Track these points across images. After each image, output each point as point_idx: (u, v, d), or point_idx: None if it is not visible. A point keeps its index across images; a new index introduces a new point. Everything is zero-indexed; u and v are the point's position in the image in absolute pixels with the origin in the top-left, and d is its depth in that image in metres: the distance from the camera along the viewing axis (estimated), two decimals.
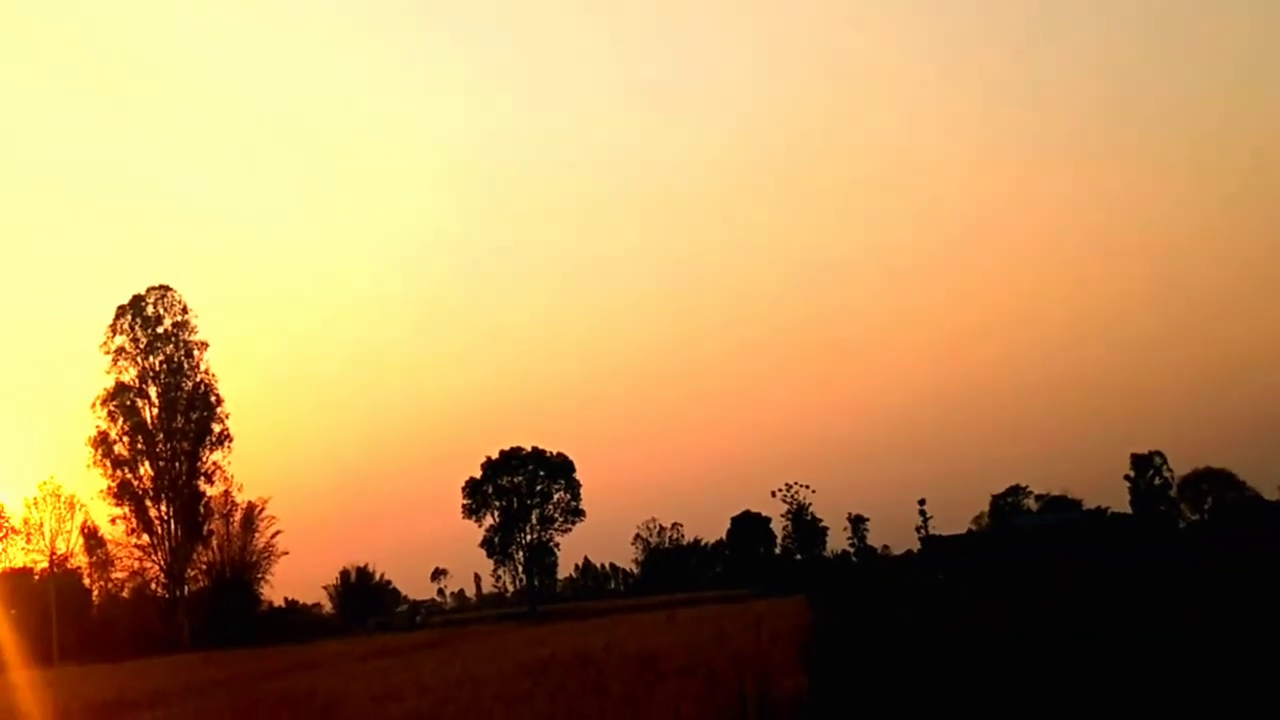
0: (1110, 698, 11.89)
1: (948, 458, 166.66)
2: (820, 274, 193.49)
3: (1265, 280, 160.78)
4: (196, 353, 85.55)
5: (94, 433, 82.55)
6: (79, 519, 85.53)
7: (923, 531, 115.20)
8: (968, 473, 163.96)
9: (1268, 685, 11.40)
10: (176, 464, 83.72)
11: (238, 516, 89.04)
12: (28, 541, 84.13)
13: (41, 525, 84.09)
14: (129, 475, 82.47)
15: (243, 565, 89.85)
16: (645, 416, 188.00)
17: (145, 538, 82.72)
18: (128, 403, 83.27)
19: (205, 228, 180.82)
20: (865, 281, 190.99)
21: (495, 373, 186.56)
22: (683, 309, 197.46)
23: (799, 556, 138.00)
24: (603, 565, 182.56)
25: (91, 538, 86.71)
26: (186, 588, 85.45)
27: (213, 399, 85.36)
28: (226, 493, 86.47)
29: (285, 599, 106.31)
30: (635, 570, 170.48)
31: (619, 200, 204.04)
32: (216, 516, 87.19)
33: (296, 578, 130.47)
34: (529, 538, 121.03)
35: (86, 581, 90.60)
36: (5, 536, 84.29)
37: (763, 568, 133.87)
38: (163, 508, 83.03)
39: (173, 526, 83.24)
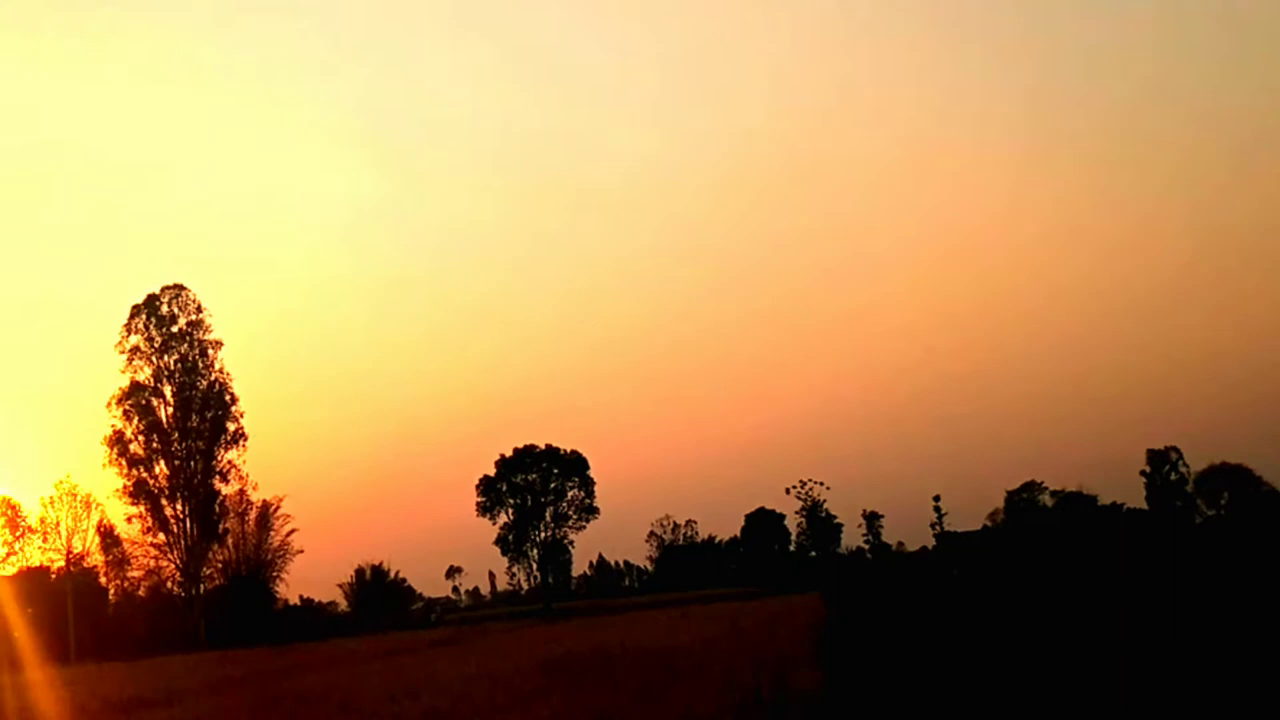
0: (1128, 695, 11.84)
1: (962, 454, 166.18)
2: (839, 272, 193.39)
3: None
4: (211, 352, 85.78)
5: (109, 432, 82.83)
6: (95, 518, 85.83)
7: (937, 528, 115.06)
8: (982, 469, 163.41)
9: None
10: (192, 463, 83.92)
11: (253, 515, 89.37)
12: (44, 540, 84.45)
13: (58, 524, 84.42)
14: (144, 474, 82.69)
15: (258, 563, 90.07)
16: (659, 414, 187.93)
17: (161, 536, 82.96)
18: (143, 402, 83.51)
19: (221, 225, 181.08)
20: (883, 279, 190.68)
21: (509, 371, 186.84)
22: (697, 307, 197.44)
23: (814, 554, 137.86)
24: (617, 563, 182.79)
25: (107, 536, 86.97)
26: (202, 586, 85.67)
27: (227, 398, 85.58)
28: (242, 491, 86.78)
29: (300, 597, 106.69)
30: (650, 567, 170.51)
31: (635, 198, 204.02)
32: (232, 515, 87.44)
33: (312, 576, 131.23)
34: (543, 535, 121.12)
35: (103, 580, 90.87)
36: (22, 535, 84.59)
37: (777, 565, 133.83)
38: (178, 506, 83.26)
39: (188, 525, 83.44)
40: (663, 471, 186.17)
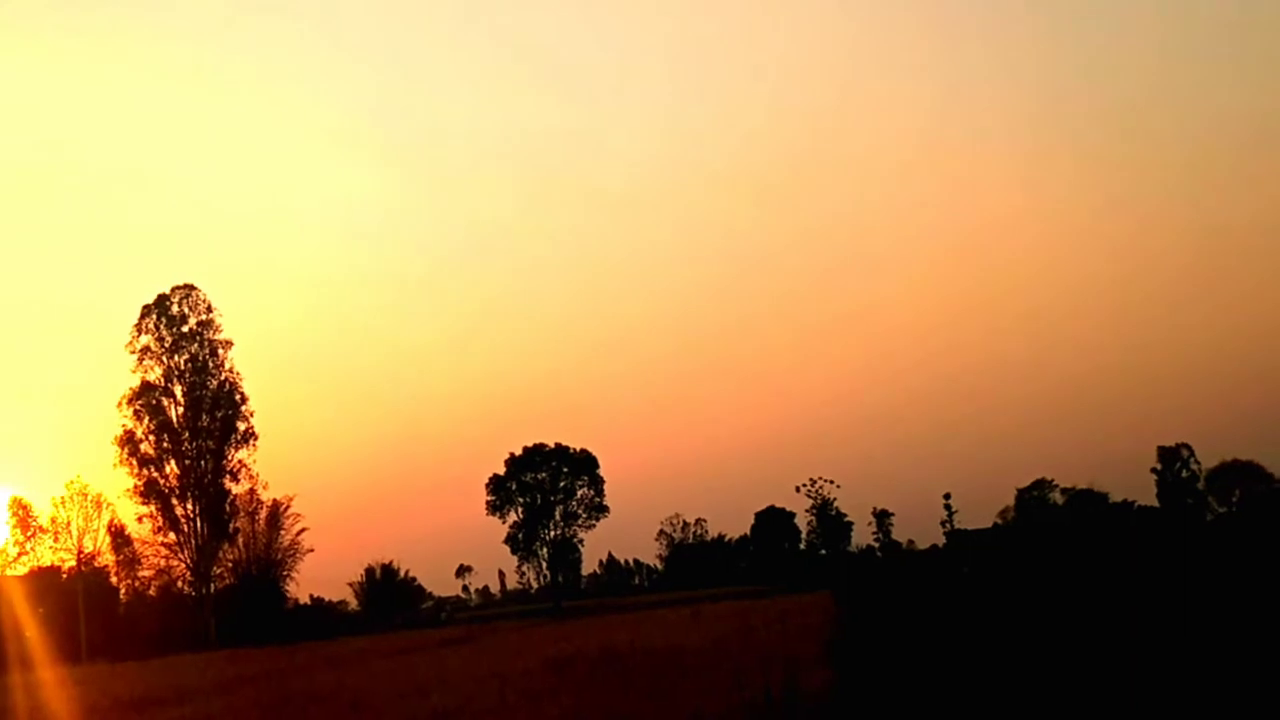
0: (1139, 693, 11.80)
1: (972, 452, 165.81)
2: (848, 269, 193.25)
3: None
4: (221, 351, 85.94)
5: (120, 432, 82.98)
6: (106, 518, 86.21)
7: (948, 526, 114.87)
8: (993, 467, 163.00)
9: None
10: (202, 462, 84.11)
11: (263, 514, 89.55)
12: (55, 540, 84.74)
13: (69, 524, 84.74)
14: (155, 474, 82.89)
15: (268, 563, 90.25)
16: (669, 412, 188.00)
17: (171, 536, 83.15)
18: (153, 402, 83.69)
19: (231, 226, 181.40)
20: (893, 277, 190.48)
21: (518, 370, 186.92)
22: (706, 305, 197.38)
23: (824, 552, 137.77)
24: (627, 561, 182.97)
25: (118, 536, 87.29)
26: (213, 585, 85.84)
27: (237, 397, 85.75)
28: (252, 490, 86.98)
29: (311, 596, 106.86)
30: (659, 566, 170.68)
31: (643, 197, 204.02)
32: (242, 514, 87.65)
33: (322, 575, 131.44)
34: (553, 534, 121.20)
35: (114, 580, 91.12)
36: (33, 535, 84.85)
37: (787, 563, 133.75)
38: (189, 506, 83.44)
39: (199, 525, 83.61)
40: (672, 470, 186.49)
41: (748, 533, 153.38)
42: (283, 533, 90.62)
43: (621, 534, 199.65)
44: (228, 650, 60.69)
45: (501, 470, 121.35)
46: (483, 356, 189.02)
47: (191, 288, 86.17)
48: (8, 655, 58.81)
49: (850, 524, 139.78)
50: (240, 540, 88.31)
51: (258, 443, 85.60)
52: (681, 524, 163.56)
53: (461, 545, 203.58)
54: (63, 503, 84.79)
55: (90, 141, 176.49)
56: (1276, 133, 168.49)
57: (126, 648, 71.08)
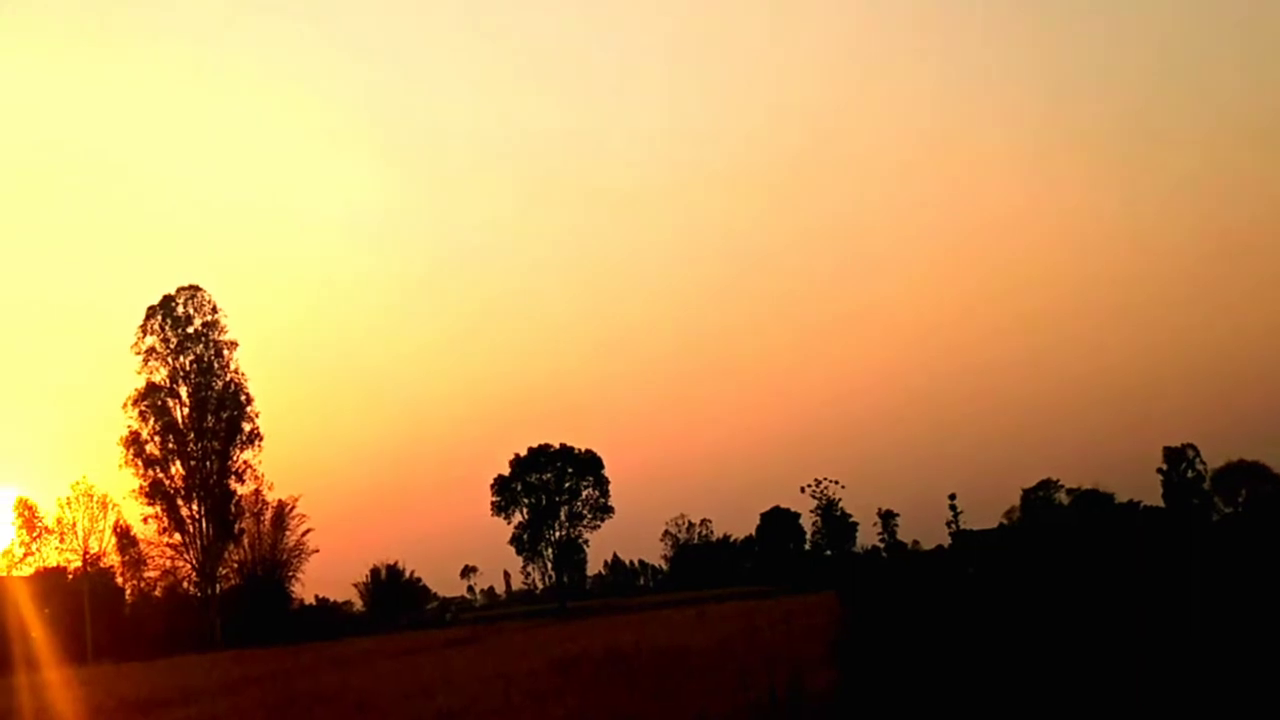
0: (1145, 693, 11.79)
1: (978, 452, 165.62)
2: (853, 269, 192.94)
3: None
4: (226, 352, 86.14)
5: (125, 433, 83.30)
6: (111, 518, 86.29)
7: (953, 526, 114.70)
8: (998, 467, 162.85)
9: None
10: (207, 463, 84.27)
11: (268, 515, 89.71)
12: (61, 541, 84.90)
13: (74, 525, 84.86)
14: (160, 475, 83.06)
15: (274, 563, 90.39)
16: (673, 413, 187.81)
17: (177, 537, 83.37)
18: (159, 403, 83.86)
19: (236, 227, 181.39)
20: (898, 276, 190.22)
21: (523, 370, 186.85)
22: (711, 305, 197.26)
23: (829, 552, 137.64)
24: (632, 562, 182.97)
25: (124, 537, 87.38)
26: (218, 586, 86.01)
27: (243, 398, 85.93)
28: (257, 491, 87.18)
29: (316, 597, 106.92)
30: (664, 567, 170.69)
31: (647, 197, 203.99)
32: (247, 515, 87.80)
33: (327, 575, 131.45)
34: (558, 534, 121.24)
35: (119, 580, 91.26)
36: (39, 536, 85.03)
37: (792, 564, 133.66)
38: (194, 507, 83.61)
39: (204, 525, 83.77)
40: (677, 470, 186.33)
41: (753, 533, 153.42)
42: (288, 533, 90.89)
43: (626, 534, 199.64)
44: (233, 651, 60.75)
45: (506, 471, 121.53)
46: (488, 356, 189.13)
47: (197, 288, 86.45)
48: (13, 656, 58.85)
49: (855, 524, 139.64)
50: (245, 541, 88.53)
51: (263, 443, 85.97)
52: (686, 524, 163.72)
53: (467, 546, 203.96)
54: (68, 503, 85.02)
55: (93, 142, 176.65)
56: None
57: (132, 648, 71.19)
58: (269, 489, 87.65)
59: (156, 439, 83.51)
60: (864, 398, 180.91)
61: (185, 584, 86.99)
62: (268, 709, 23.72)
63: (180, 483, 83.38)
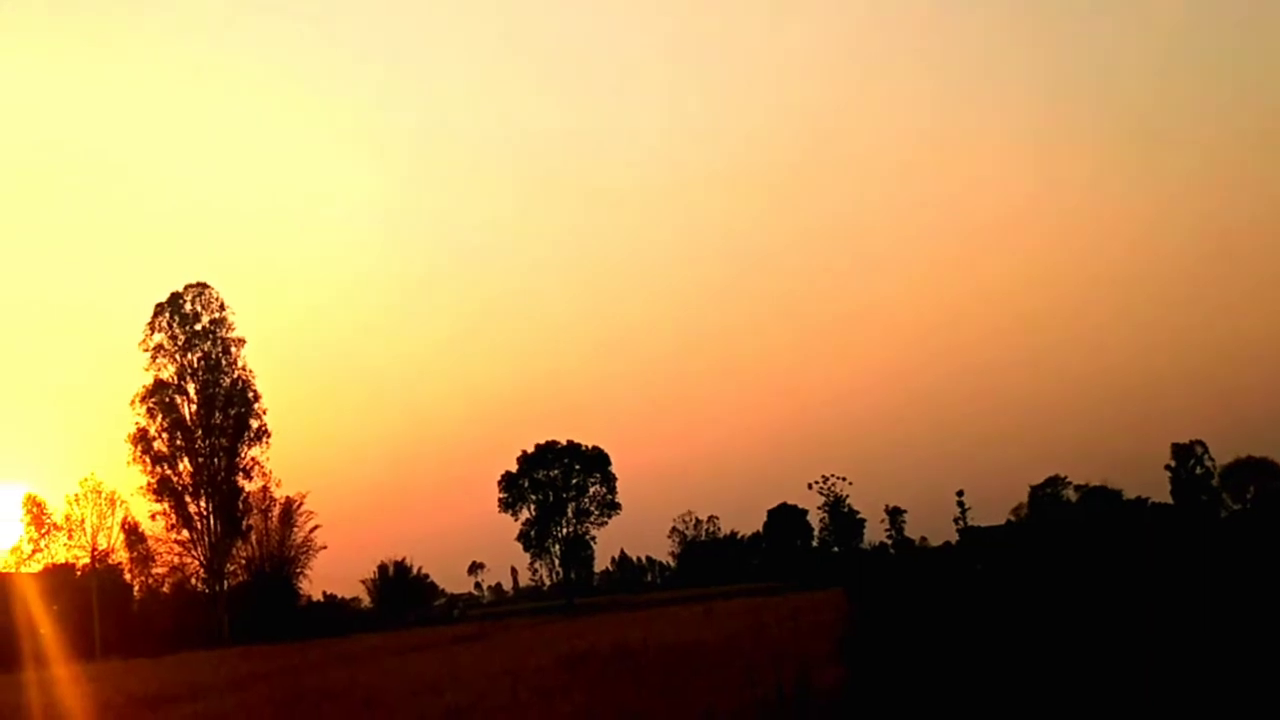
0: (1154, 691, 11.76)
1: (985, 449, 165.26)
2: (859, 265, 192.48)
3: None
4: (234, 349, 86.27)
5: (133, 429, 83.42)
6: (119, 515, 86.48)
7: (961, 523, 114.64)
8: (1006, 464, 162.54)
9: None
10: (215, 460, 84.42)
11: (276, 511, 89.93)
12: (69, 538, 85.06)
13: (83, 521, 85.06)
14: (168, 471, 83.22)
15: (281, 560, 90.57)
16: (681, 410, 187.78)
17: (185, 533, 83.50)
18: (166, 399, 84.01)
19: (241, 225, 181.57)
20: (905, 273, 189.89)
21: (531, 367, 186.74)
22: (718, 301, 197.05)
23: (836, 549, 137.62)
24: (639, 558, 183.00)
25: (132, 534, 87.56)
26: (226, 583, 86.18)
27: (250, 395, 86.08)
28: (265, 488, 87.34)
29: (324, 593, 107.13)
30: (672, 563, 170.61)
31: (651, 194, 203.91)
32: (255, 512, 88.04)
33: (335, 572, 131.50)
34: (565, 531, 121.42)
35: (127, 577, 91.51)
36: (47, 533, 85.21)
37: (800, 560, 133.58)
38: (202, 503, 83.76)
39: (212, 522, 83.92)
40: (684, 467, 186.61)
41: (760, 530, 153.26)
42: (295, 530, 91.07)
43: (634, 531, 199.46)
44: (241, 647, 60.87)
45: (514, 467, 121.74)
46: (495, 354, 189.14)
47: (204, 286, 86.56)
48: (22, 652, 59.05)
49: (863, 521, 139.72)
50: (253, 537, 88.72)
51: (270, 440, 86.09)
52: (694, 521, 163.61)
53: (474, 542, 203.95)
54: (77, 500, 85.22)
55: (97, 142, 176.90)
56: None
57: (140, 645, 71.36)
58: (276, 486, 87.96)
59: (164, 436, 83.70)
60: (872, 394, 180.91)
61: (193, 580, 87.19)
62: (275, 705, 23.74)
63: (188, 479, 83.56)
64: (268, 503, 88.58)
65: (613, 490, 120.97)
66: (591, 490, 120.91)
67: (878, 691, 15.16)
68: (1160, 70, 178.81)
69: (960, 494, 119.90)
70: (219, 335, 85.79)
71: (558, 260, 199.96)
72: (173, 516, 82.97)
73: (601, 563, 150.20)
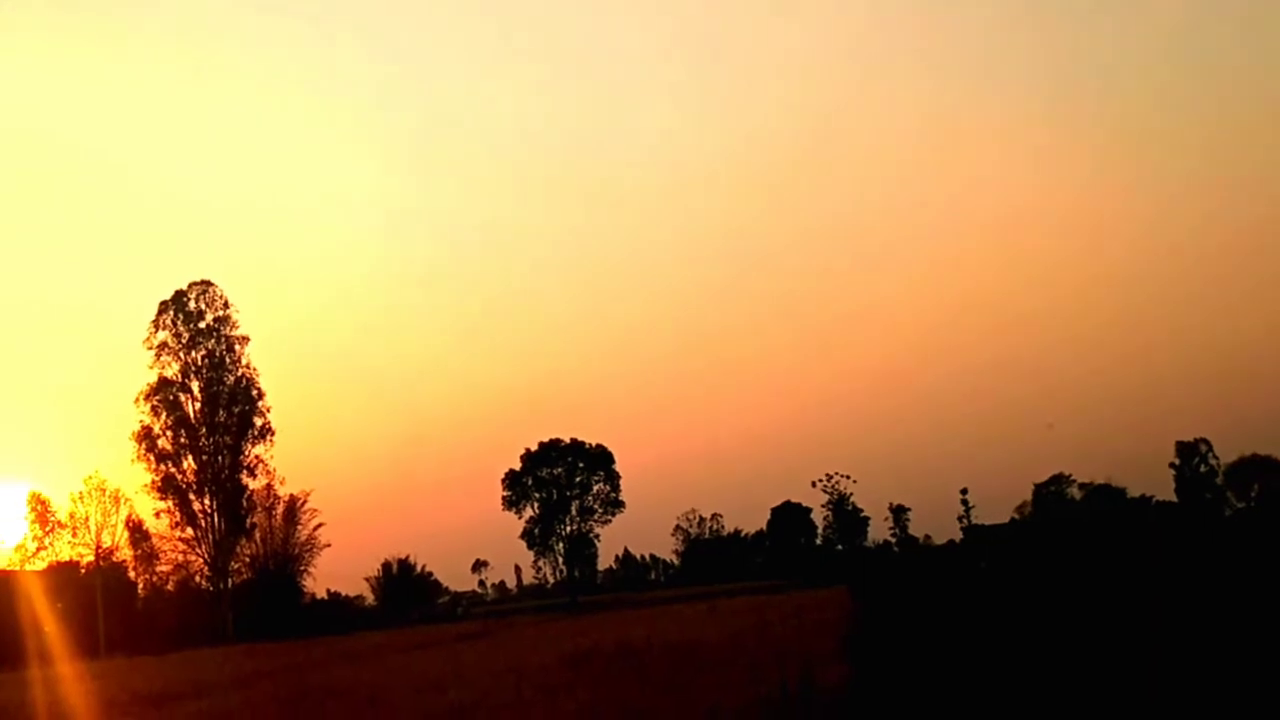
0: (1158, 689, 11.75)
1: (989, 447, 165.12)
2: (863, 263, 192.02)
3: None
4: (238, 347, 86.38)
5: (138, 427, 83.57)
6: (124, 513, 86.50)
7: (965, 521, 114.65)
8: (1010, 462, 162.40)
9: None
10: (219, 458, 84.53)
11: (280, 509, 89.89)
12: (74, 535, 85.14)
13: (87, 519, 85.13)
14: (172, 469, 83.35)
15: (285, 558, 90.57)
16: (684, 407, 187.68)
17: (189, 531, 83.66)
18: (171, 397, 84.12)
19: (245, 223, 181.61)
20: (909, 271, 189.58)
21: (534, 365, 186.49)
22: (721, 299, 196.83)
23: (840, 547, 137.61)
24: (643, 556, 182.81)
25: (136, 531, 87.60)
26: (230, 580, 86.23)
27: (254, 393, 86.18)
28: (269, 486, 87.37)
29: (328, 591, 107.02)
30: (676, 561, 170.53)
31: (655, 192, 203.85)
32: (259, 510, 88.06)
33: (339, 570, 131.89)
34: (569, 529, 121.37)
35: (132, 575, 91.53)
36: (52, 530, 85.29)
37: (804, 558, 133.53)
38: (206, 501, 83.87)
39: (216, 520, 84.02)
40: (688, 465, 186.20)
41: (764, 528, 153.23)
42: (300, 528, 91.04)
43: (637, 529, 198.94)
44: (245, 645, 60.91)
45: (518, 465, 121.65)
46: (498, 352, 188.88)
47: (208, 284, 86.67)
48: (27, 650, 59.08)
49: (867, 519, 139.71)
50: (257, 535, 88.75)
51: (274, 438, 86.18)
52: (698, 519, 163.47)
53: (478, 540, 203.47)
54: (81, 498, 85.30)
55: (100, 141, 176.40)
56: None
57: (144, 642, 71.37)
58: (280, 484, 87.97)
59: (168, 434, 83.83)
60: (876, 392, 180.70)
61: (197, 578, 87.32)
62: (280, 703, 23.76)
63: (192, 477, 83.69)
64: (272, 500, 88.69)
65: (616, 488, 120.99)
66: (595, 488, 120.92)
67: (882, 689, 15.17)
68: (1161, 70, 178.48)
69: (964, 492, 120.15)
70: (223, 333, 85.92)
71: (560, 259, 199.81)
72: (177, 514, 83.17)
73: (605, 561, 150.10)
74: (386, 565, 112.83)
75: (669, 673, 20.69)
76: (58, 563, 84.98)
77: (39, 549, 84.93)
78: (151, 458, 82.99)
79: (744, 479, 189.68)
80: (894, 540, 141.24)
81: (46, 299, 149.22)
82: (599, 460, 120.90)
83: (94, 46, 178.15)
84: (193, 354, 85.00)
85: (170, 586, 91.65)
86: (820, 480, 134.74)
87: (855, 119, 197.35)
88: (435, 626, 75.24)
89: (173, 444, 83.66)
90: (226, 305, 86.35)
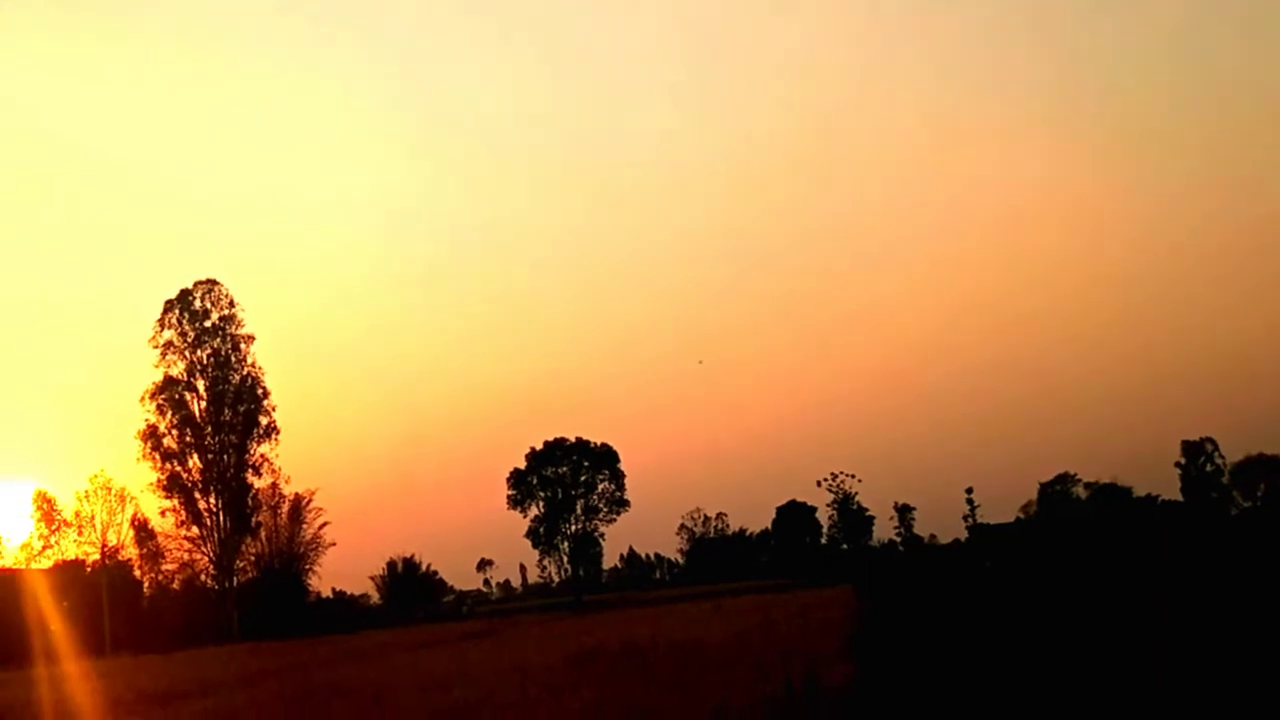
0: (1164, 690, 11.74)
1: (995, 446, 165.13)
2: (868, 261, 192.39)
3: None
4: (243, 346, 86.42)
5: (143, 426, 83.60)
6: (129, 511, 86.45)
7: (970, 520, 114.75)
8: (1015, 461, 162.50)
9: None
10: (225, 456, 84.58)
11: (285, 508, 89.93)
12: (79, 534, 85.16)
13: (93, 518, 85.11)
14: (178, 468, 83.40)
15: (291, 556, 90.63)
16: (690, 406, 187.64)
17: (195, 530, 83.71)
18: (176, 396, 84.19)
19: (250, 222, 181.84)
20: (914, 269, 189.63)
21: (539, 364, 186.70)
22: (726, 297, 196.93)
23: (845, 546, 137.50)
24: (648, 555, 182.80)
25: (142, 530, 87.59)
26: (235, 579, 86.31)
27: (259, 392, 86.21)
28: (274, 485, 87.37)
29: (333, 590, 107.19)
30: (680, 560, 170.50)
31: (660, 190, 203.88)
32: (264, 508, 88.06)
33: (344, 569, 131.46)
34: (574, 528, 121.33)
35: (137, 573, 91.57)
36: (57, 529, 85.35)
37: (809, 557, 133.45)
38: (211, 500, 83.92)
39: (221, 519, 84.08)
40: (693, 464, 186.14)
41: (769, 527, 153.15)
42: (305, 526, 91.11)
43: (642, 528, 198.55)
44: (250, 643, 60.95)
45: (523, 464, 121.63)
46: (503, 351, 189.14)
47: (214, 282, 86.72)
48: (33, 648, 59.19)
49: (872, 518, 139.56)
50: (263, 534, 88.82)
51: (280, 437, 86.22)
52: (702, 518, 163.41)
53: (483, 539, 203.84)
54: (86, 497, 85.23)
55: (107, 141, 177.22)
56: None
57: (150, 641, 71.45)
58: (286, 482, 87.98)
59: (174, 432, 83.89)
60: (882, 391, 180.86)
61: (203, 577, 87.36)
62: (286, 701, 23.79)
63: (198, 476, 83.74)
64: (277, 499, 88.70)
65: (621, 487, 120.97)
66: (600, 487, 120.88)
67: (887, 688, 15.15)
68: (1161, 70, 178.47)
69: (970, 491, 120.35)
70: (228, 332, 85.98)
71: (562, 258, 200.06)
72: (182, 513, 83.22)
73: (610, 560, 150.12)
74: (391, 564, 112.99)
75: (674, 672, 20.69)
76: (63, 561, 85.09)
77: (45, 547, 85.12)
78: (157, 456, 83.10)
79: (749, 478, 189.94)
80: (899, 539, 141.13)
81: (52, 298, 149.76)
82: (604, 459, 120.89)
83: (94, 46, 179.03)
84: (198, 353, 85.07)
85: (175, 585, 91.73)
86: (825, 479, 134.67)
87: (855, 119, 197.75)
88: (440, 625, 75.27)
89: (178, 443, 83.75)
90: (232, 304, 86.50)
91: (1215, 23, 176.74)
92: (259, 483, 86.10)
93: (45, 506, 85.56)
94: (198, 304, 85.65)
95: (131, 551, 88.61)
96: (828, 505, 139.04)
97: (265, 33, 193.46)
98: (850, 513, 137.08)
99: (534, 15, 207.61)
